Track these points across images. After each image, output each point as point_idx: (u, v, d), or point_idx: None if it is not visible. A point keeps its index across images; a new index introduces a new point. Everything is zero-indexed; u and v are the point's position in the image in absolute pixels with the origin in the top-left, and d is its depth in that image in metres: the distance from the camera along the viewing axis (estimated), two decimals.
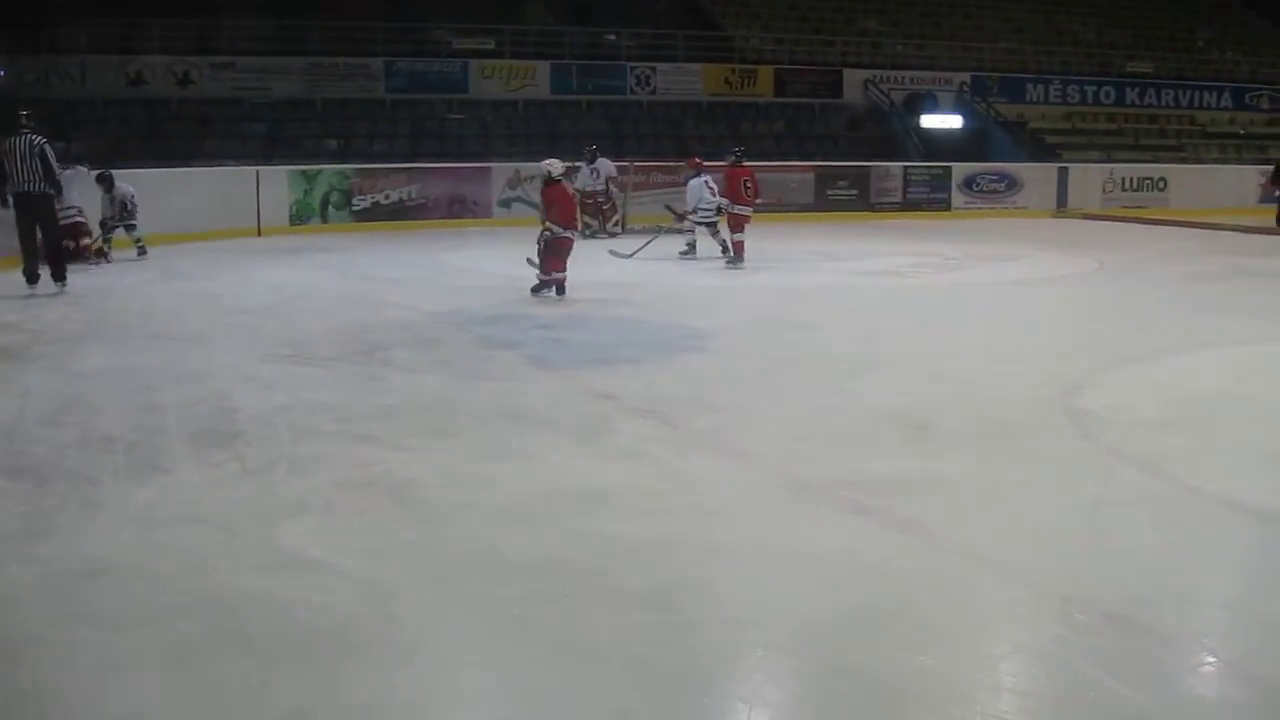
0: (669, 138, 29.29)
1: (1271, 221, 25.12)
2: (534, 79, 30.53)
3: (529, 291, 13.59)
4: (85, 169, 17.86)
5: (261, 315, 12.74)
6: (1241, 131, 36.11)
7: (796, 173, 28.30)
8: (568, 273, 13.63)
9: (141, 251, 18.22)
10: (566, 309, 13.12)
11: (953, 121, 33.09)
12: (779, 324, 12.51)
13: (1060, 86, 35.56)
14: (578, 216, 13.62)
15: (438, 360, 10.27)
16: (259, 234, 22.37)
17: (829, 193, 28.25)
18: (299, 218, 23.61)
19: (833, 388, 9.21)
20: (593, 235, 21.59)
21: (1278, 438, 7.70)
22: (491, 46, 30.75)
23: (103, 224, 17.97)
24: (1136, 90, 36.28)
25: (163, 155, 23.14)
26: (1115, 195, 30.38)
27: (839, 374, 9.74)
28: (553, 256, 13.57)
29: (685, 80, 31.85)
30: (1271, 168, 26.77)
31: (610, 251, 17.73)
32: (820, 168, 28.72)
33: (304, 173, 24.05)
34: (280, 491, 6.45)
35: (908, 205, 28.80)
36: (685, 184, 18.84)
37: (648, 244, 18.05)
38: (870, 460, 7.13)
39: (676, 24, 32.87)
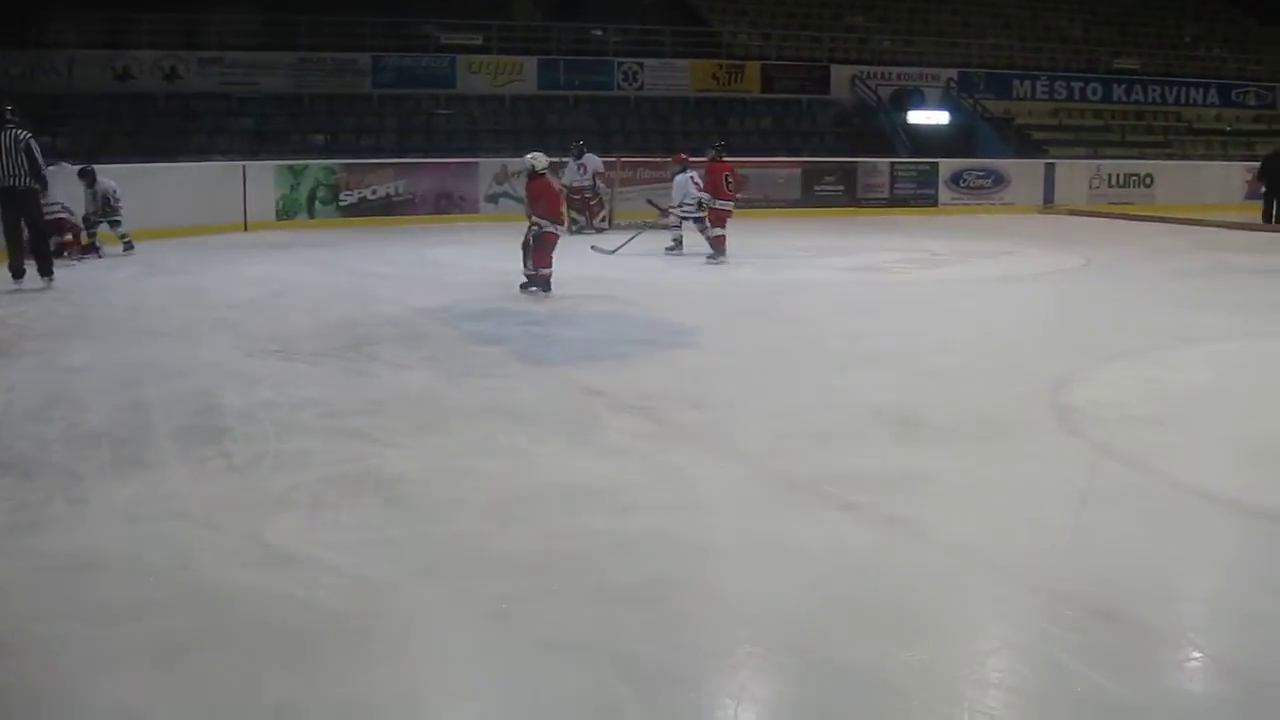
0: (656, 133, 29.30)
1: (1257, 218, 25.18)
2: (521, 74, 30.54)
3: (517, 288, 13.55)
4: (68, 165, 17.79)
5: (248, 311, 12.73)
6: (1228, 128, 36.17)
7: (783, 168, 28.32)
8: (553, 269, 13.57)
9: (128, 247, 18.17)
10: (554, 305, 13.10)
11: (940, 118, 33.13)
12: (766, 320, 12.52)
13: (1047, 83, 35.63)
14: (563, 210, 13.50)
15: (425, 356, 10.27)
16: (246, 229, 22.36)
17: (816, 189, 28.26)
18: (286, 213, 23.60)
19: (819, 383, 9.22)
20: (579, 231, 21.59)
21: (1263, 433, 7.70)
22: (479, 42, 30.75)
23: (85, 219, 17.92)
24: (1123, 87, 36.36)
25: (149, 150, 23.07)
26: (1102, 191, 30.43)
27: (826, 370, 9.75)
28: (539, 252, 13.51)
29: (672, 76, 31.86)
30: (1258, 164, 26.81)
31: (593, 248, 17.70)
32: (807, 164, 28.74)
33: (291, 168, 24.03)
34: (266, 487, 6.43)
35: (895, 201, 28.83)
36: (671, 180, 18.85)
37: (630, 240, 18.05)
38: (857, 456, 7.13)
39: (664, 19, 32.87)
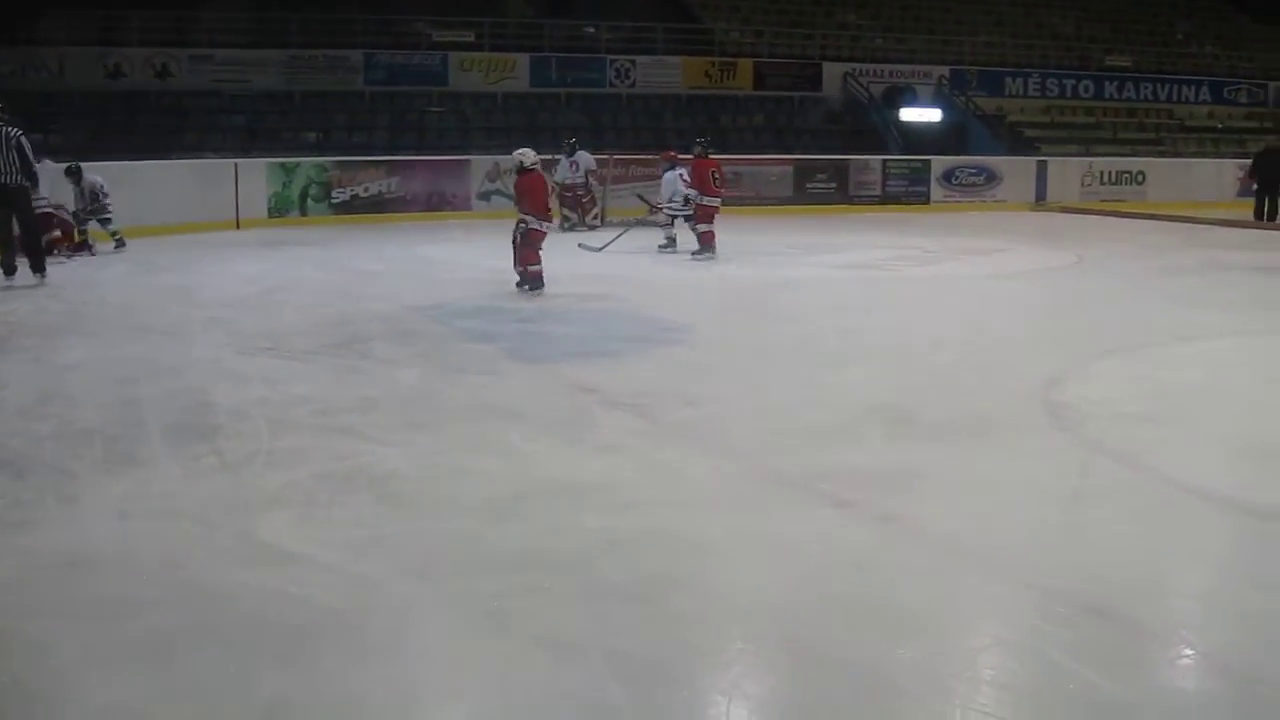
0: (648, 131, 29.27)
1: (1249, 215, 25.21)
2: (513, 71, 30.52)
3: (512, 286, 13.53)
4: (50, 163, 17.74)
5: (240, 308, 12.71)
6: (1220, 125, 36.22)
7: (775, 166, 28.31)
8: (544, 266, 13.54)
9: (120, 244, 18.13)
10: (546, 302, 13.09)
11: (932, 115, 33.17)
12: (758, 317, 12.52)
13: (1039, 80, 35.67)
14: (551, 205, 13.42)
15: (417, 353, 10.26)
16: (238, 227, 22.34)
17: (808, 186, 28.25)
18: (278, 210, 23.57)
19: (812, 380, 9.22)
20: (572, 228, 21.59)
21: (1255, 431, 7.72)
22: (471, 39, 30.71)
23: (75, 216, 17.90)
24: (1115, 84, 36.40)
25: (141, 148, 23.00)
26: (1094, 189, 30.46)
27: (818, 367, 9.76)
28: (526, 249, 13.45)
29: (665, 73, 31.85)
30: (1250, 162, 26.85)
31: (580, 245, 17.68)
32: (799, 161, 28.74)
33: (283, 165, 24.00)
34: (259, 485, 6.43)
35: (887, 198, 28.81)
36: (661, 176, 18.84)
37: (617, 238, 18.03)
38: (850, 453, 7.14)
39: (656, 16, 32.86)
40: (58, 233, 17.08)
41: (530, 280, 13.41)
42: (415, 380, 9.21)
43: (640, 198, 19.92)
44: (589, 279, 14.93)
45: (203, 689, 4.14)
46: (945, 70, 34.35)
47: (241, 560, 5.31)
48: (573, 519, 5.89)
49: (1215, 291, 14.68)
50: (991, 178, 29.76)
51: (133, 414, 7.98)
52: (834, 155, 29.37)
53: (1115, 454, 7.16)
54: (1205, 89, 37.32)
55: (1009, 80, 35.28)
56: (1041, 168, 30.28)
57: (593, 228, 21.68)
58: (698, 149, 18.12)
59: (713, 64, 32.48)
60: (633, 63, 31.60)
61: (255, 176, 23.29)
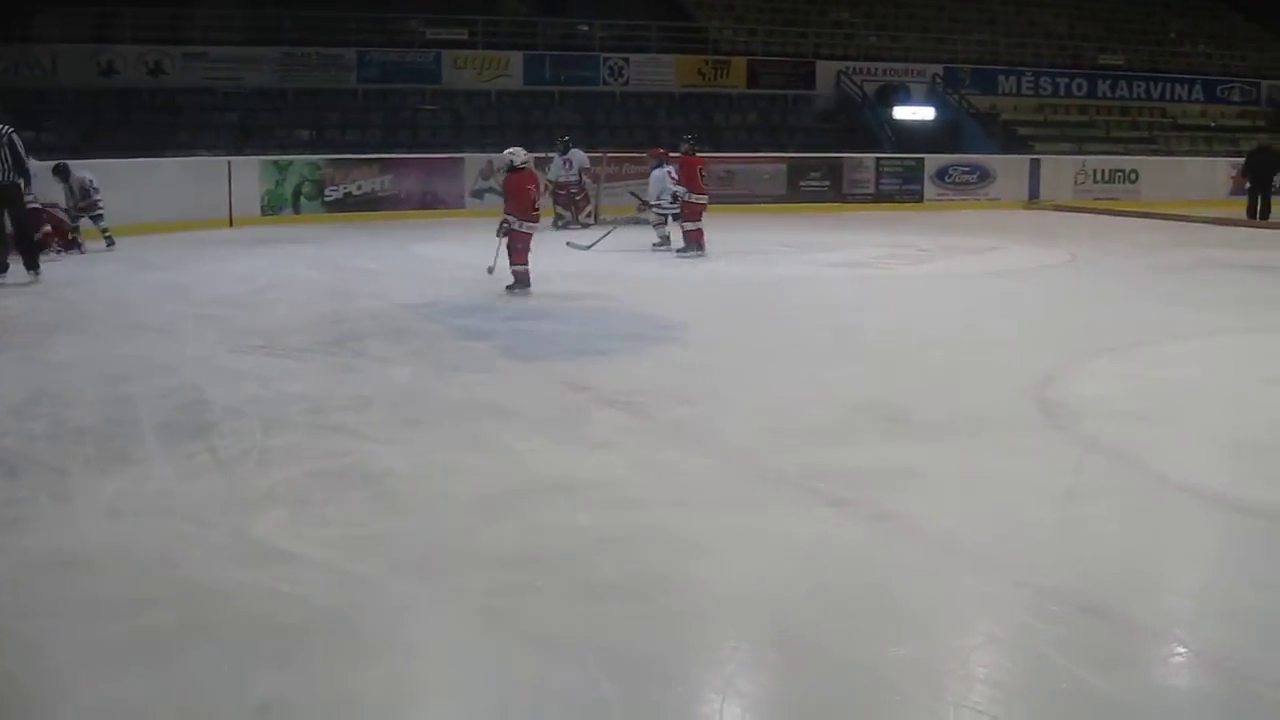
0: (641, 129, 29.21)
1: (1242, 214, 25.25)
2: (507, 69, 30.49)
3: (503, 286, 13.51)
4: (34, 161, 17.65)
5: (233, 306, 12.71)
6: (1212, 124, 36.27)
7: (769, 164, 28.34)
8: (533, 264, 13.48)
9: (110, 242, 18.09)
10: (539, 300, 13.08)
11: (925, 113, 33.18)
12: (752, 315, 12.52)
13: (1032, 78, 35.69)
14: (535, 205, 13.29)
15: (410, 351, 10.25)
16: (231, 224, 22.33)
17: (801, 184, 28.27)
18: (271, 208, 23.54)
19: (806, 379, 9.23)
20: (565, 226, 21.56)
21: (1249, 429, 7.73)
22: (465, 37, 30.68)
23: (67, 214, 17.86)
24: (1108, 82, 36.44)
25: (134, 145, 22.96)
26: (1087, 187, 30.49)
27: (812, 365, 9.76)
28: (511, 250, 13.47)
29: (658, 71, 31.84)
30: (1242, 160, 26.90)
31: (568, 244, 17.63)
32: (793, 159, 28.74)
33: (276, 163, 23.96)
34: (252, 483, 6.42)
35: (880, 197, 28.84)
36: (650, 173, 18.85)
37: (605, 236, 18.03)
38: (844, 451, 7.14)
39: (650, 15, 32.85)
40: (48, 228, 17.03)
41: (518, 280, 13.37)
42: (409, 378, 9.20)
43: (633, 194, 19.91)
44: (582, 277, 14.93)
45: (197, 687, 4.14)
46: (939, 68, 34.36)
47: (235, 558, 5.31)
48: (566, 517, 5.89)
49: (1208, 290, 14.70)
50: (985, 176, 29.79)
51: (126, 412, 7.97)
52: (827, 154, 29.37)
53: (1109, 452, 7.16)
54: (1198, 88, 37.35)
55: (1002, 78, 35.29)
56: (1035, 166, 30.32)
57: (586, 226, 21.62)
58: (685, 146, 18.10)
59: (706, 62, 32.46)
60: (626, 61, 31.58)
61: (248, 174, 23.26)
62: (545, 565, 5.23)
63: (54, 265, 15.55)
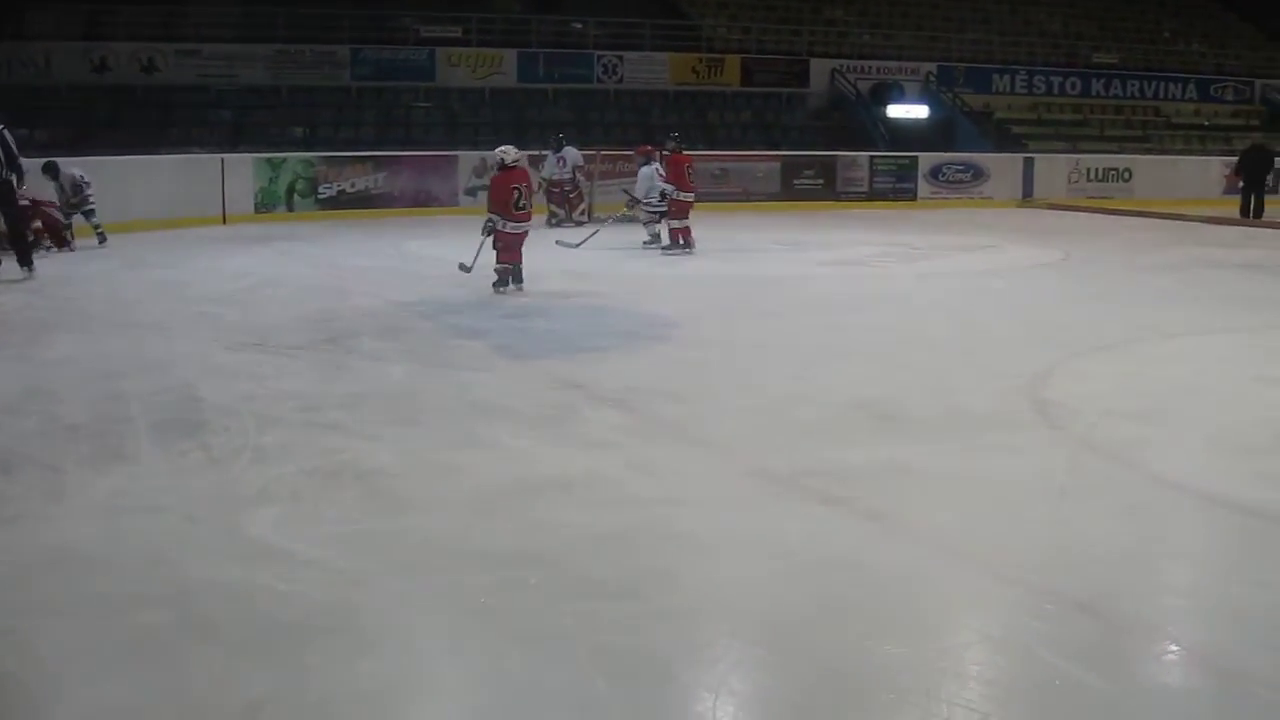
0: (635, 127, 29.21)
1: (1235, 212, 25.28)
2: (501, 67, 30.46)
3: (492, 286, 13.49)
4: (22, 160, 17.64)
5: (226, 304, 12.69)
6: (1206, 123, 36.28)
7: (763, 162, 28.36)
8: (514, 264, 13.47)
9: (101, 239, 18.06)
10: (532, 298, 13.09)
11: (919, 111, 33.19)
12: (746, 313, 12.52)
13: (1026, 77, 35.69)
14: (518, 205, 13.19)
15: (404, 349, 10.25)
16: (224, 222, 22.33)
17: (795, 182, 28.29)
18: (264, 206, 23.54)
19: (800, 377, 9.23)
20: (559, 224, 21.56)
21: (1242, 427, 7.74)
22: (459, 34, 30.64)
23: (59, 210, 17.82)
24: (1102, 81, 36.46)
25: (127, 143, 22.96)
26: (1081, 186, 30.52)
27: (806, 363, 9.77)
28: (497, 249, 13.47)
29: (652, 69, 31.83)
30: (1236, 159, 26.93)
31: (557, 242, 17.59)
32: (786, 157, 28.76)
33: (269, 161, 23.95)
34: (245, 480, 6.42)
35: (874, 195, 28.88)
36: (637, 171, 18.84)
37: (594, 234, 18.03)
38: (837, 450, 7.14)
39: (644, 12, 32.80)
40: (38, 224, 16.99)
41: (500, 278, 13.35)
42: (402, 376, 9.20)
43: (625, 192, 19.92)
44: (576, 275, 14.93)
45: (191, 685, 4.13)
46: (933, 67, 34.36)
47: (228, 556, 5.30)
48: (559, 515, 5.89)
49: (1202, 288, 14.72)
50: (979, 174, 29.81)
51: (119, 409, 7.97)
52: (821, 152, 29.37)
53: (1102, 450, 7.18)
54: (1192, 86, 37.36)
55: (996, 77, 35.29)
56: (1028, 164, 30.33)
57: (580, 223, 21.59)
58: (671, 144, 18.11)
59: (700, 60, 32.45)
60: (620, 58, 31.57)
61: (242, 172, 23.26)
62: (538, 563, 5.23)
63: (47, 262, 15.54)
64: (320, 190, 24.23)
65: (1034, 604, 4.87)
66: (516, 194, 13.32)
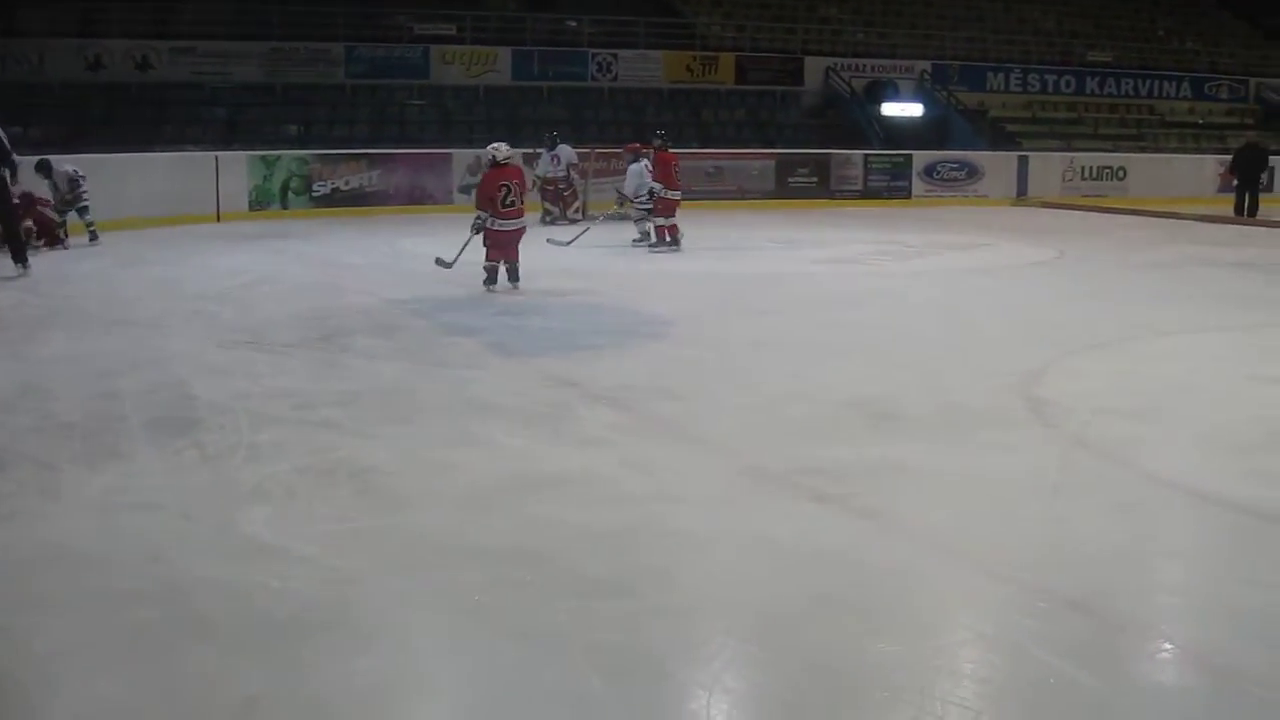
0: (630, 124, 29.23)
1: (1229, 211, 25.31)
2: (495, 65, 30.48)
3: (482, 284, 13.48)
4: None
5: (221, 301, 12.69)
6: (1200, 121, 36.34)
7: (757, 160, 28.40)
8: (503, 263, 13.45)
9: (94, 236, 18.03)
10: (526, 296, 13.09)
11: (913, 109, 33.23)
12: (740, 311, 12.52)
13: (1021, 75, 35.73)
14: (505, 203, 13.12)
15: (398, 347, 10.25)
16: (218, 220, 22.32)
17: (789, 180, 28.33)
18: (259, 203, 23.55)
19: (794, 375, 9.23)
20: (553, 222, 21.58)
21: (1235, 425, 7.75)
22: (453, 32, 30.65)
23: (53, 209, 17.78)
24: (1097, 79, 36.51)
25: (121, 140, 22.95)
26: (1075, 184, 30.56)
27: (800, 361, 9.77)
28: (487, 246, 13.46)
29: (646, 67, 31.85)
30: (1230, 157, 26.96)
31: (548, 240, 17.60)
32: (781, 155, 28.79)
33: (264, 158, 23.97)
34: (239, 478, 6.42)
35: (868, 193, 28.92)
36: (626, 168, 18.85)
37: (584, 231, 18.04)
38: (831, 447, 7.14)
39: (638, 10, 32.80)
40: (28, 222, 16.94)
41: (487, 276, 13.34)
42: (396, 374, 9.19)
43: (618, 190, 19.95)
44: (570, 273, 14.94)
45: (181, 682, 4.13)
46: (927, 65, 34.39)
47: (223, 554, 5.30)
48: (554, 512, 5.88)
49: (1195, 286, 14.74)
50: (973, 172, 29.84)
51: (113, 407, 7.96)
52: (816, 150, 29.40)
53: (1095, 448, 7.18)
54: (1186, 85, 37.41)
55: (990, 75, 35.32)
56: (1023, 163, 30.37)
57: (574, 221, 21.61)
58: (658, 142, 18.12)
59: (694, 58, 32.47)
60: (614, 56, 31.58)
61: (236, 169, 23.27)
62: (533, 561, 5.23)
63: (41, 260, 15.52)
64: (315, 188, 24.24)
65: (1027, 602, 4.87)
66: (504, 191, 13.25)
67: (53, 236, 17.38)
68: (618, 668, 4.25)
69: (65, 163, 18.17)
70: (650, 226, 18.09)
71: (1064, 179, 30.53)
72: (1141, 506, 6.21)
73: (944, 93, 33.58)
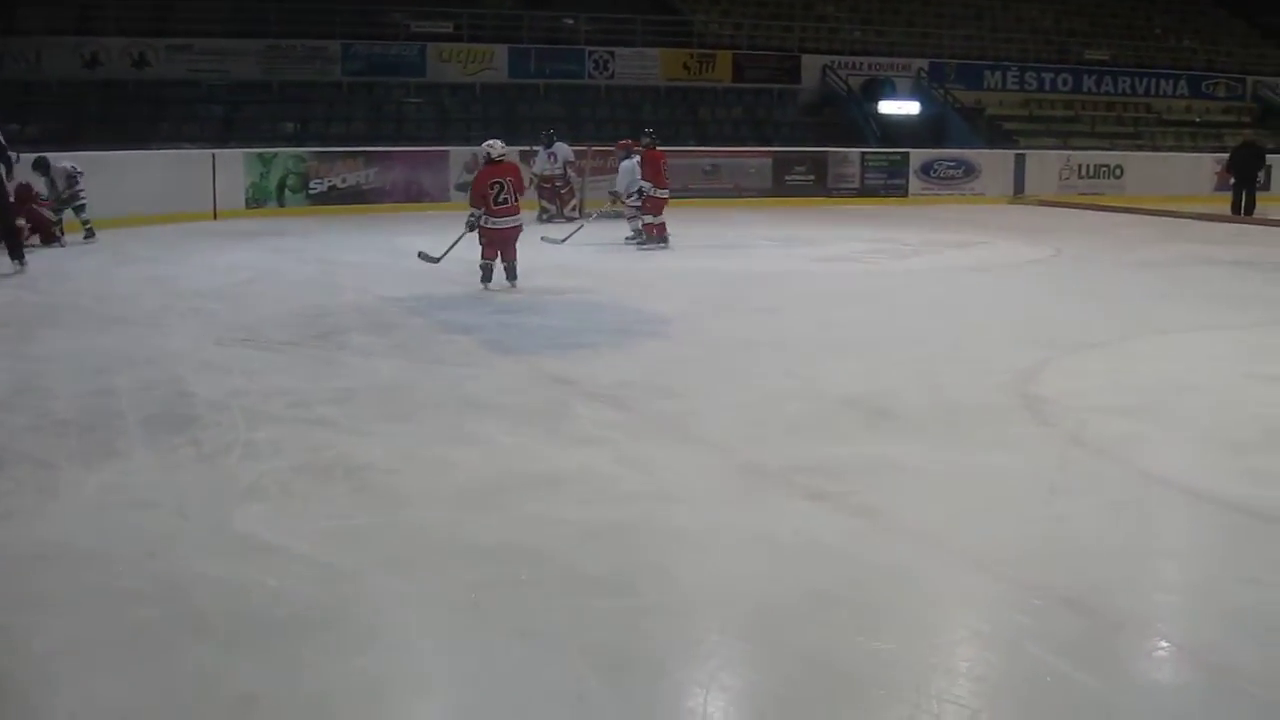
0: (626, 122, 29.17)
1: (1226, 209, 25.31)
2: (492, 63, 30.44)
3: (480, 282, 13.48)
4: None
5: (217, 299, 12.68)
6: (1197, 119, 36.34)
7: (754, 158, 28.38)
8: (498, 261, 13.43)
9: (89, 234, 18.02)
10: (523, 294, 13.08)
11: (910, 108, 33.19)
12: (737, 309, 12.51)
13: (1018, 73, 35.70)
14: (496, 200, 13.09)
15: (395, 344, 10.24)
16: (215, 217, 22.28)
17: (787, 178, 28.30)
18: (255, 201, 23.51)
19: (790, 373, 9.23)
20: (550, 220, 21.57)
21: (1233, 424, 7.76)
22: (450, 30, 30.61)
23: (50, 207, 17.77)
24: (1094, 77, 36.49)
25: (118, 137, 22.94)
26: (1072, 182, 30.54)
27: (797, 359, 9.76)
28: (482, 244, 13.46)
29: (643, 65, 31.82)
30: (1227, 156, 26.97)
31: (542, 238, 17.57)
32: (778, 153, 28.77)
33: (260, 156, 23.93)
34: (236, 476, 6.42)
35: (865, 191, 28.89)
36: (618, 165, 18.85)
37: (578, 229, 18.04)
38: (828, 445, 7.15)
39: (635, 8, 32.77)
40: (22, 221, 16.91)
41: (483, 274, 13.34)
42: (393, 372, 9.19)
43: (611, 192, 19.97)
44: (567, 271, 14.94)
45: (178, 681, 4.13)
46: (924, 63, 34.38)
47: (219, 552, 5.30)
48: (551, 511, 5.89)
49: (1192, 285, 14.74)
50: (970, 171, 29.82)
51: (110, 405, 7.97)
52: (813, 148, 29.37)
53: (1092, 447, 7.18)
54: (1183, 83, 37.40)
55: (988, 73, 35.31)
56: (1020, 161, 30.35)
57: (571, 219, 21.60)
58: (646, 140, 18.11)
59: (691, 56, 32.44)
60: (611, 54, 31.55)
61: (233, 167, 23.23)
62: (529, 559, 5.23)
63: (37, 258, 15.51)
64: (311, 185, 24.22)
65: (1023, 600, 4.88)
66: (497, 189, 13.21)
67: (48, 234, 17.36)
68: (615, 665, 4.25)
69: (63, 160, 18.15)
70: (640, 223, 18.09)
71: (1061, 177, 30.51)
72: (1138, 505, 6.22)
73: (941, 91, 33.57)
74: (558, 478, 6.43)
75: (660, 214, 17.76)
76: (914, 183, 29.34)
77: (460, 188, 24.46)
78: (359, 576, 5.02)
